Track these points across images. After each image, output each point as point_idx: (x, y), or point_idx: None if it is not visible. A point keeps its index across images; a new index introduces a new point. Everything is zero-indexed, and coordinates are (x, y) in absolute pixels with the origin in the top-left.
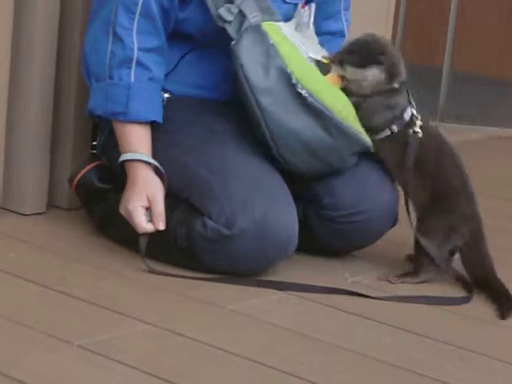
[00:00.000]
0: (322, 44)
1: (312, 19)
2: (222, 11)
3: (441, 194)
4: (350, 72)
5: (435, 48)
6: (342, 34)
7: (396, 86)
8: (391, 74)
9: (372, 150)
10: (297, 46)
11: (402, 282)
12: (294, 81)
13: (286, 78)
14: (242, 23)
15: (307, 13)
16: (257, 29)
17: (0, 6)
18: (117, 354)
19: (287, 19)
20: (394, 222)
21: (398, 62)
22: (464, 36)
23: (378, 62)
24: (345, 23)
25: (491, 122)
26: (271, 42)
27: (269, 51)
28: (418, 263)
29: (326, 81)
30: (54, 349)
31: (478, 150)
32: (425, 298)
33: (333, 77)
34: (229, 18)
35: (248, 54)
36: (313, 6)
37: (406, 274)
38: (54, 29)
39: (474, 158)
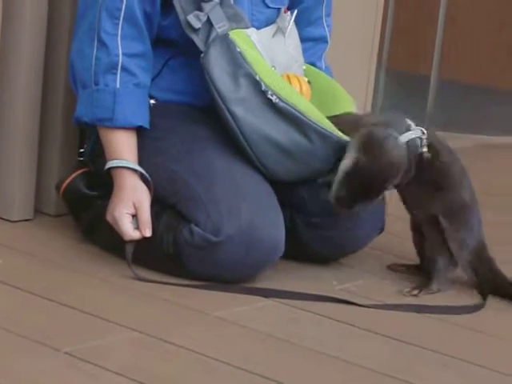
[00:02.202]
0: (304, 51)
1: (292, 24)
2: (191, 18)
3: (453, 208)
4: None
5: (423, 55)
6: (324, 40)
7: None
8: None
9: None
10: (262, 54)
11: (420, 294)
12: (263, 87)
13: (256, 86)
14: (209, 33)
15: (289, 18)
16: (224, 38)
17: None
18: (104, 361)
19: (269, 23)
20: (381, 228)
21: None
22: (452, 43)
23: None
24: (327, 29)
25: (479, 129)
26: (238, 50)
27: (236, 60)
28: (430, 274)
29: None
30: (41, 356)
31: (465, 158)
32: (414, 306)
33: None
34: (197, 25)
35: (216, 66)
36: (294, 12)
37: (422, 286)
38: (41, 34)
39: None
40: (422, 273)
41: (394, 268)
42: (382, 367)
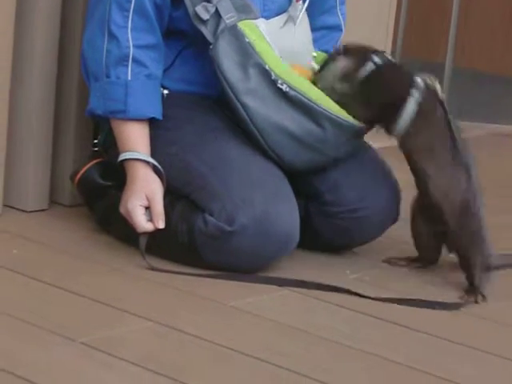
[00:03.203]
0: (318, 39)
1: (304, 13)
2: (199, 9)
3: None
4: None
5: (437, 44)
6: (339, 28)
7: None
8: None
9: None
10: (271, 45)
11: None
12: (273, 77)
13: (266, 75)
14: (217, 25)
15: (301, 7)
16: (233, 29)
17: (1, 6)
18: (119, 350)
19: (280, 13)
20: (395, 217)
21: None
22: (466, 32)
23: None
24: (341, 17)
25: (493, 118)
26: (247, 40)
27: (246, 50)
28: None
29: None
30: (56, 346)
31: (479, 147)
32: (420, 301)
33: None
34: (205, 16)
35: (226, 57)
36: (306, 0)
37: (470, 291)
38: (56, 27)
39: (475, 154)
40: (421, 265)
41: (393, 262)
42: (398, 356)
